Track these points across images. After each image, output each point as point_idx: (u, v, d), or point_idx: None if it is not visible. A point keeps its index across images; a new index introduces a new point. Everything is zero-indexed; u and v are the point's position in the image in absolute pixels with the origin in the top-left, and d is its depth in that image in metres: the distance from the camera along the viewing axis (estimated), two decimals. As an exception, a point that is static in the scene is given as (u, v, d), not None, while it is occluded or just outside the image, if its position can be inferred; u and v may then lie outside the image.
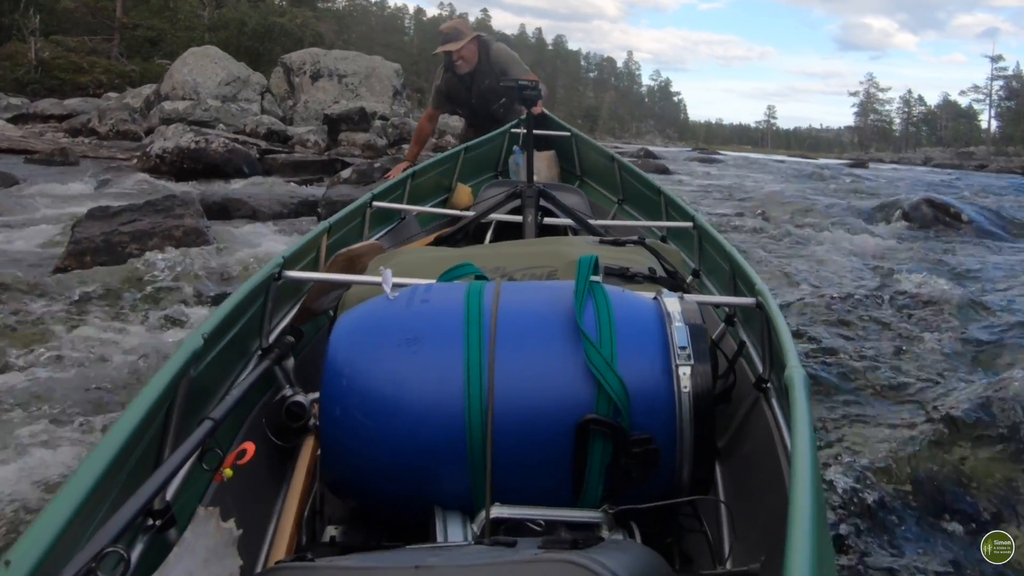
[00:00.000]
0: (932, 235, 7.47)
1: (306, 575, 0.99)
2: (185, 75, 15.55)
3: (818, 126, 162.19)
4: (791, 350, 1.43)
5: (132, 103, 17.40)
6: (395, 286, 1.45)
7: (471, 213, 3.23)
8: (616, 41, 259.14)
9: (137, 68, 30.24)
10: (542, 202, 3.06)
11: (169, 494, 1.16)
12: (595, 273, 1.41)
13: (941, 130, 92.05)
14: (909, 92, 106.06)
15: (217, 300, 4.06)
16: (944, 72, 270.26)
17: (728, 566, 1.40)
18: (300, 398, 1.66)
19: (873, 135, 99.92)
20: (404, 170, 5.97)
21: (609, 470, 1.28)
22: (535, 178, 3.22)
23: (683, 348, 1.30)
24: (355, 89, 17.18)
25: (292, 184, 9.31)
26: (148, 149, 10.43)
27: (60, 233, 5.64)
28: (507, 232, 3.14)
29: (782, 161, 29.58)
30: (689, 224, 2.95)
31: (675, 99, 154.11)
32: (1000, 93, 76.21)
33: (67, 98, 20.34)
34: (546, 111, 5.25)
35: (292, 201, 7.02)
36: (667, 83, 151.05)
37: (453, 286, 1.46)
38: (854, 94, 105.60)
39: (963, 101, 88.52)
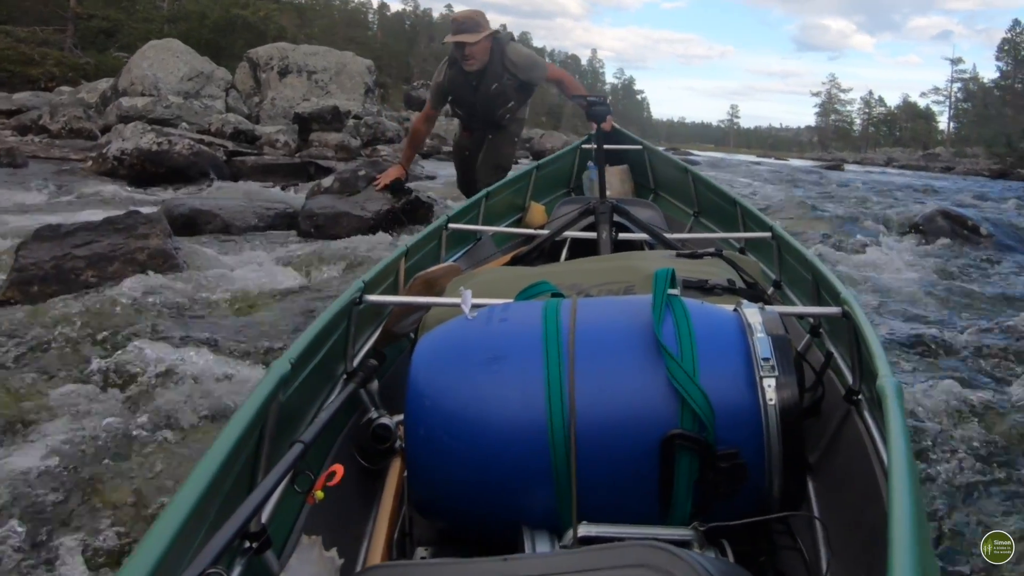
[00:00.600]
0: (953, 251, 7.03)
1: (401, 571, 1.04)
2: (145, 69, 14.67)
3: (778, 125, 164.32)
4: (882, 359, 1.39)
5: (87, 98, 16.45)
6: (473, 306, 1.45)
7: (545, 232, 3.23)
8: (579, 39, 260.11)
9: (92, 61, 28.96)
10: (616, 217, 3.07)
11: (264, 516, 1.18)
12: (673, 286, 1.40)
13: (900, 131, 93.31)
14: (870, 93, 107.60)
15: (185, 340, 3.42)
16: (900, 73, 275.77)
17: None
18: (386, 420, 1.68)
19: (833, 135, 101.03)
20: (395, 177, 5.34)
21: (697, 486, 1.25)
22: (608, 193, 3.22)
23: (767, 359, 1.27)
24: (325, 86, 16.45)
25: (263, 188, 8.60)
26: (105, 150, 9.63)
27: (2, 255, 4.92)
28: (582, 249, 3.16)
29: (757, 163, 29.31)
30: (768, 234, 2.90)
31: (638, 97, 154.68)
32: (958, 95, 77.41)
33: (16, 92, 19.25)
34: (616, 125, 5.07)
35: (268, 213, 6.34)
36: (630, 81, 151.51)
37: (530, 304, 1.46)
38: (816, 94, 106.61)
39: (923, 102, 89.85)
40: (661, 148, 6.10)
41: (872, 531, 1.24)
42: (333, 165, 10.80)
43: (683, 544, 1.23)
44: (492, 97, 4.51)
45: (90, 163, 9.72)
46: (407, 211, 6.08)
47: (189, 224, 5.87)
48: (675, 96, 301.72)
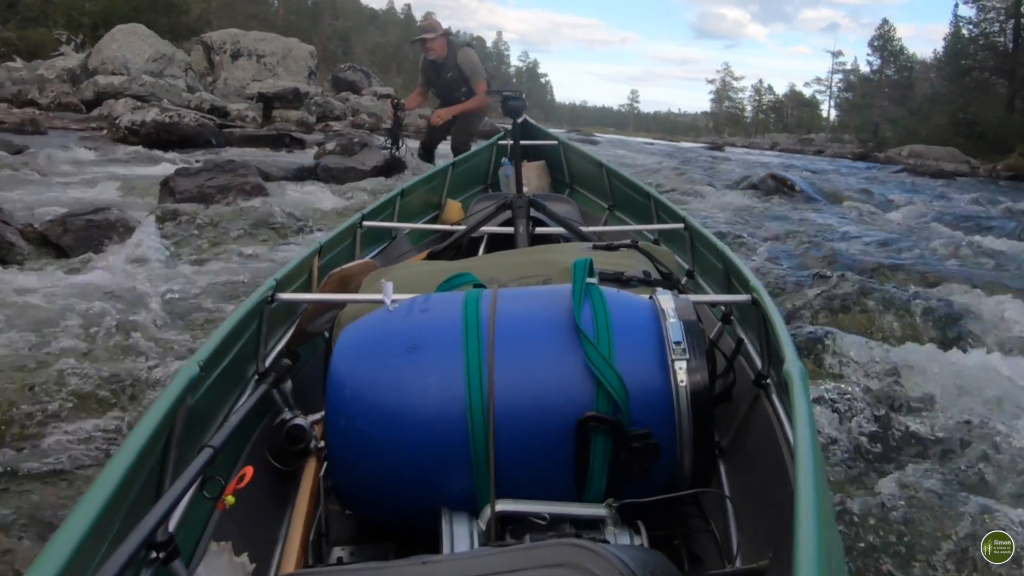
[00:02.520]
0: (774, 200, 10.07)
1: None
2: (115, 51, 16.54)
3: (676, 110, 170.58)
4: (788, 344, 1.47)
5: (46, 75, 18.02)
6: (392, 300, 1.49)
7: (462, 227, 3.17)
8: (483, 20, 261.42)
9: (13, 34, 29.59)
10: (533, 212, 3.08)
11: (171, 525, 1.17)
12: (591, 275, 1.45)
13: (787, 118, 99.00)
14: (760, 82, 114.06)
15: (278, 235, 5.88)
16: (790, 63, 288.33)
17: (737, 564, 1.40)
18: (300, 421, 1.67)
19: (727, 121, 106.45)
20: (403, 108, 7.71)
21: (611, 465, 1.31)
22: (525, 189, 3.23)
23: (678, 343, 1.32)
24: (273, 68, 18.56)
25: (266, 152, 10.91)
26: (117, 121, 11.70)
27: (124, 188, 7.22)
28: (499, 244, 3.12)
29: (651, 143, 32.99)
30: (680, 225, 3.02)
31: (542, 80, 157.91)
32: (839, 85, 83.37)
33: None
34: (531, 120, 5.60)
35: (290, 167, 8.76)
36: (535, 64, 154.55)
37: (451, 295, 1.50)
38: (711, 82, 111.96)
39: (808, 91, 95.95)
40: (563, 131, 7.20)
41: (779, 510, 1.26)
42: (302, 137, 13.13)
43: (598, 520, 1.30)
44: (449, 81, 7.08)
45: (105, 132, 11.79)
46: (392, 165, 8.61)
47: (240, 173, 8.24)
48: (577, 80, 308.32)
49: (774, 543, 1.27)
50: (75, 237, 4.43)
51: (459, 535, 1.27)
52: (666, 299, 1.42)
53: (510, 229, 3.03)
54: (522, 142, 3.42)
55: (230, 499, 1.18)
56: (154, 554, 1.06)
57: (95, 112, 14.04)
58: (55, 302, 3.49)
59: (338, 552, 1.47)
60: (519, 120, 3.17)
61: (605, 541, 1.23)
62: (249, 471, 1.20)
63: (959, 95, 40.74)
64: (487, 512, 1.28)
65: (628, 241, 2.28)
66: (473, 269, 1.87)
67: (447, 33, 7.04)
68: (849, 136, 57.59)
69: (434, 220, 4.16)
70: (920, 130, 39.53)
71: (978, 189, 15.57)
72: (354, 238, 2.97)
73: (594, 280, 1.45)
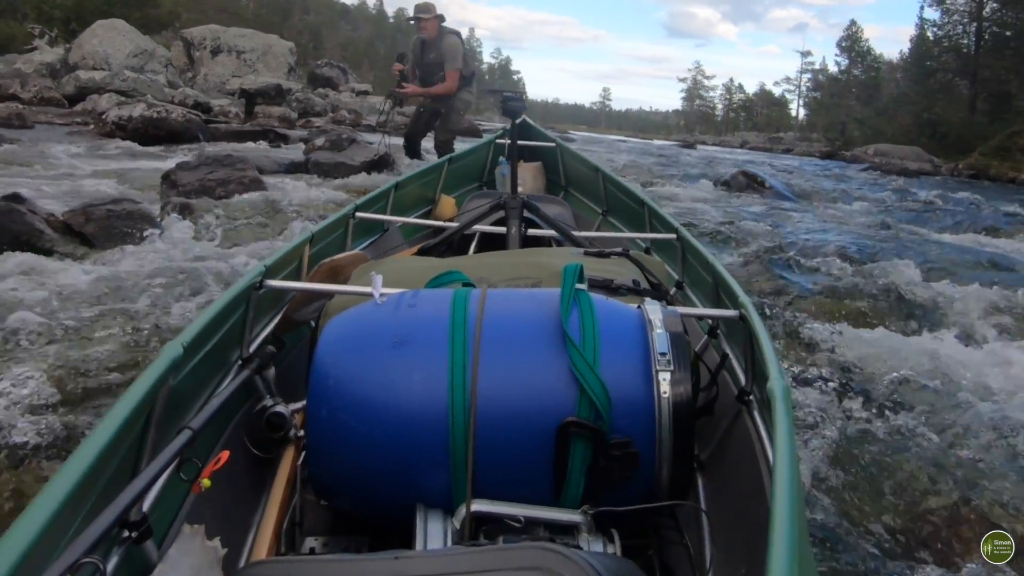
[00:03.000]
0: (744, 195, 10.53)
1: (285, 568, 1.04)
2: (95, 46, 16.63)
3: (648, 108, 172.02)
4: (773, 362, 1.48)
5: (24, 69, 18.04)
6: (381, 294, 1.48)
7: (454, 224, 3.20)
8: (455, 16, 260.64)
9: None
10: (526, 213, 3.10)
11: (146, 505, 1.17)
12: (580, 281, 1.45)
13: (757, 116, 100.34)
14: (731, 80, 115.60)
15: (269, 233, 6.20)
16: (760, 62, 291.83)
17: None
18: (281, 408, 1.68)
19: (698, 119, 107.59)
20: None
21: (590, 472, 1.30)
22: (520, 189, 3.26)
23: (663, 354, 1.33)
24: (252, 65, 18.74)
25: (255, 146, 11.15)
26: (104, 116, 11.87)
27: (124, 182, 7.47)
28: (491, 243, 3.13)
29: (625, 141, 33.58)
30: (673, 236, 3.02)
31: (515, 77, 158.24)
32: (808, 85, 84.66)
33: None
34: (530, 120, 5.65)
35: (282, 161, 9.05)
36: (507, 61, 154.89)
37: (440, 292, 1.49)
38: (683, 80, 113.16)
39: (777, 91, 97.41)
40: (539, 126, 6.89)
41: (755, 527, 1.26)
42: (286, 133, 13.37)
43: (572, 526, 1.30)
44: (431, 63, 7.35)
45: (92, 126, 11.95)
46: (379, 162, 8.92)
47: (234, 167, 8.49)
48: (550, 77, 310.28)
49: (748, 560, 1.29)
50: (97, 226, 4.71)
51: (433, 533, 1.28)
52: (654, 309, 1.43)
53: (502, 229, 3.08)
54: (520, 143, 3.45)
55: (206, 482, 1.18)
56: (127, 532, 1.06)
57: (79, 107, 14.17)
58: (93, 285, 3.80)
59: (311, 542, 1.48)
60: (518, 121, 3.20)
61: (578, 547, 1.25)
62: (225, 455, 1.21)
63: (924, 96, 41.76)
64: (462, 511, 1.29)
65: (619, 249, 2.29)
66: (464, 267, 1.88)
67: (440, 17, 7.35)
68: (817, 135, 58.53)
69: (427, 215, 4.19)
70: (886, 130, 40.45)
71: (940, 187, 16.21)
72: (346, 228, 2.98)
73: (583, 286, 1.45)
